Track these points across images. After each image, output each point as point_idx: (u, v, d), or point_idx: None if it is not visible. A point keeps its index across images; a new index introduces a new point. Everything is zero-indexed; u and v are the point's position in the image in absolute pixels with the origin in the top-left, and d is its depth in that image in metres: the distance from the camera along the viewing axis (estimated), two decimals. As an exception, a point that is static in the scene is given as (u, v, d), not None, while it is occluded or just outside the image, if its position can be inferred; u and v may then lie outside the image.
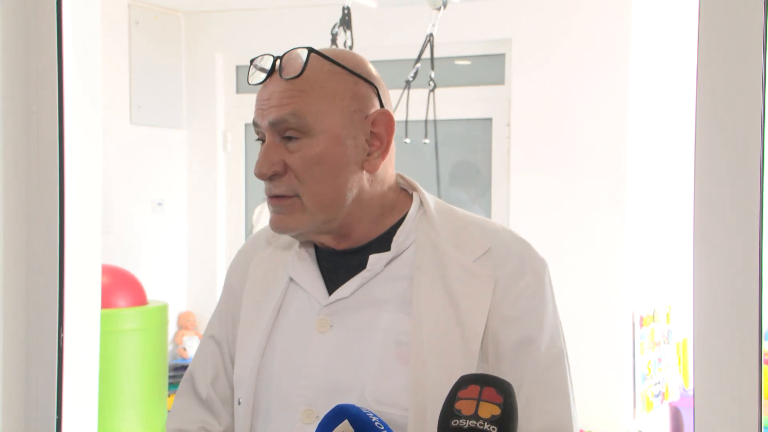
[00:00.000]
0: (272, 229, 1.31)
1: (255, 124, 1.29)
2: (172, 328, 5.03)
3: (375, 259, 1.30)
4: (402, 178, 1.39)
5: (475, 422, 1.05)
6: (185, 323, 5.15)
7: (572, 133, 4.29)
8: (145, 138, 4.92)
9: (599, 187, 4.24)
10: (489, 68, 4.64)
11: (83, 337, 1.91)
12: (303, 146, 1.25)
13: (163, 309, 4.32)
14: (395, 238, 1.31)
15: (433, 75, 3.77)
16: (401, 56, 4.64)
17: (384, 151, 1.29)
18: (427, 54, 3.71)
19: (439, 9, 3.62)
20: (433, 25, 3.64)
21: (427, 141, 3.93)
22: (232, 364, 1.42)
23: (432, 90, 3.82)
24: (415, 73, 3.71)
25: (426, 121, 3.89)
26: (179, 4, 4.99)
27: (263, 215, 4.30)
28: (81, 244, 1.89)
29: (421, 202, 1.36)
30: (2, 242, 1.82)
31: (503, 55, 4.55)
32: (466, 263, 1.29)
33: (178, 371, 4.78)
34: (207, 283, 5.10)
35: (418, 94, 3.98)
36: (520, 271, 1.30)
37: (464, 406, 1.05)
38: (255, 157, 1.31)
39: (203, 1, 4.87)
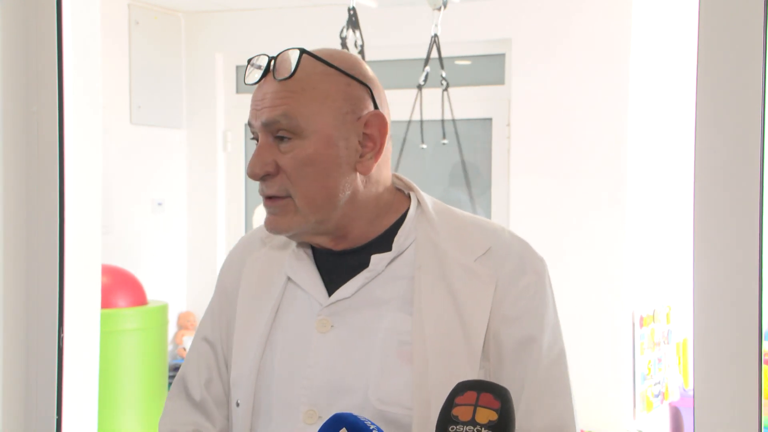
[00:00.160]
0: (267, 229, 1.31)
1: (249, 124, 1.30)
2: (172, 328, 5.03)
3: (377, 259, 1.30)
4: (398, 178, 1.39)
5: (472, 428, 1.05)
6: (185, 323, 5.15)
7: (572, 133, 4.29)
8: (145, 138, 4.92)
9: (599, 187, 4.24)
10: (489, 68, 4.64)
11: (83, 337, 1.91)
12: (295, 147, 1.25)
13: (163, 309, 4.32)
14: (397, 238, 1.31)
15: (444, 74, 3.79)
16: (401, 56, 4.65)
17: (377, 152, 1.29)
18: (435, 54, 3.72)
19: (439, 9, 3.63)
20: (436, 25, 3.64)
21: (445, 141, 3.94)
22: (226, 365, 1.41)
23: (445, 89, 3.83)
24: (426, 76, 3.72)
25: (443, 121, 3.90)
26: (179, 4, 4.99)
27: (263, 215, 4.30)
28: (81, 244, 1.89)
29: (419, 202, 1.36)
30: (2, 242, 1.82)
31: (503, 55, 4.56)
32: (467, 263, 1.29)
33: (178, 371, 4.78)
34: (207, 283, 5.10)
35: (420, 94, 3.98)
36: (520, 271, 1.30)
37: (461, 412, 1.06)
38: (254, 157, 1.31)
39: (203, 1, 4.87)
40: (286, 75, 1.25)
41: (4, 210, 1.82)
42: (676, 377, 4.50)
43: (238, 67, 5.16)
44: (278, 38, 4.74)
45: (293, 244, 1.37)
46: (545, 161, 4.35)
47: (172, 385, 1.46)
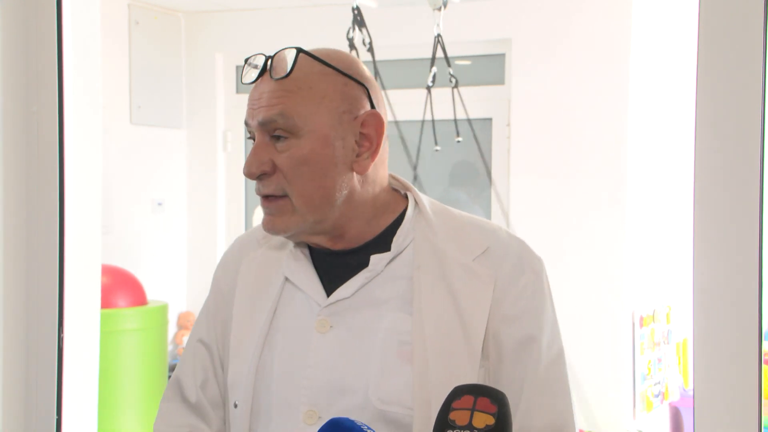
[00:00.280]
0: (265, 230, 1.31)
1: (246, 123, 1.30)
2: (172, 328, 5.03)
3: (377, 259, 1.30)
4: (394, 178, 1.39)
5: None
6: (185, 323, 5.15)
7: (572, 133, 4.29)
8: (145, 138, 4.92)
9: (599, 187, 4.24)
10: (489, 68, 4.64)
11: (83, 337, 1.91)
12: (291, 146, 1.25)
13: (163, 309, 4.32)
14: (395, 238, 1.31)
15: (451, 71, 3.79)
16: (401, 56, 4.64)
17: (374, 152, 1.29)
18: (430, 54, 3.73)
19: (439, 9, 3.63)
20: (438, 25, 3.64)
21: (460, 139, 3.94)
22: (222, 367, 1.41)
23: (455, 86, 3.83)
24: (434, 77, 3.73)
25: (456, 121, 3.91)
26: (179, 4, 4.99)
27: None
28: (81, 244, 1.89)
29: (416, 202, 1.36)
30: (2, 242, 1.82)
31: (503, 55, 4.56)
32: (466, 262, 1.29)
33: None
34: (207, 283, 5.03)
35: (420, 94, 3.98)
36: (519, 270, 1.30)
37: (458, 417, 1.06)
38: (255, 157, 1.31)
39: (203, 1, 4.87)
40: (283, 74, 1.25)
41: (4, 210, 1.82)
42: (676, 377, 4.50)
43: (238, 67, 5.16)
44: (278, 38, 4.73)
45: (290, 244, 1.37)
46: (545, 161, 4.35)
47: (167, 386, 1.45)
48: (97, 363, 1.96)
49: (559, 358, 1.29)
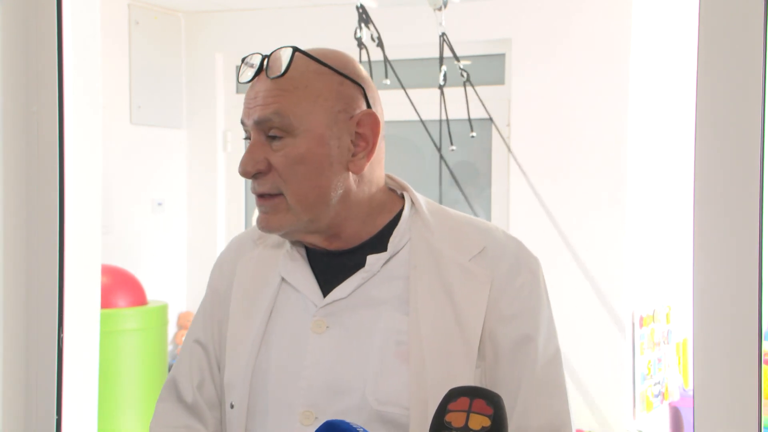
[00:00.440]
0: (259, 228, 1.31)
1: (242, 122, 1.30)
2: (172, 328, 5.03)
3: (374, 259, 1.30)
4: (391, 178, 1.39)
5: None
6: (185, 323, 5.15)
7: (572, 133, 4.29)
8: (145, 138, 4.92)
9: (599, 187, 4.24)
10: (489, 68, 4.64)
11: (83, 337, 1.91)
12: (286, 145, 1.25)
13: (163, 309, 4.32)
14: (392, 238, 1.31)
15: (461, 65, 3.78)
16: (401, 56, 4.64)
17: (369, 152, 1.29)
18: (436, 54, 3.72)
19: (439, 9, 3.63)
20: (440, 24, 3.64)
21: (474, 134, 3.94)
22: (219, 368, 1.41)
23: (467, 80, 3.83)
24: (444, 76, 3.72)
25: (470, 120, 3.91)
26: (179, 4, 4.99)
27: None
28: (81, 244, 1.89)
29: (413, 202, 1.35)
30: (2, 242, 1.82)
31: (503, 55, 4.56)
32: (463, 262, 1.29)
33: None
34: (207, 283, 5.09)
35: (419, 94, 3.98)
36: (515, 270, 1.30)
37: (454, 418, 1.06)
38: (255, 157, 1.30)
39: (203, 1, 4.87)
40: (279, 73, 1.25)
41: (4, 210, 1.82)
42: (676, 377, 4.50)
43: (238, 67, 5.11)
44: (278, 38, 4.71)
45: (287, 244, 1.37)
46: (545, 161, 4.35)
47: (163, 387, 1.44)
48: (97, 363, 1.96)
49: (555, 358, 1.29)
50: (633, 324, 4.14)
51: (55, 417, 1.83)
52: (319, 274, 1.34)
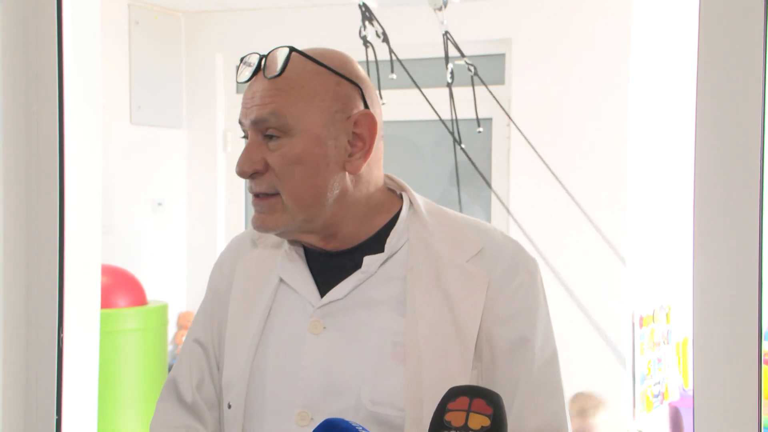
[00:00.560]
0: (254, 227, 1.31)
1: (240, 122, 1.30)
2: (172, 328, 5.03)
3: (370, 260, 1.30)
4: (390, 179, 1.38)
5: None
6: (185, 323, 5.15)
7: (572, 133, 4.29)
8: (145, 138, 4.92)
9: (599, 187, 4.23)
10: (489, 68, 4.64)
11: (83, 337, 1.91)
12: (283, 145, 1.25)
13: (162, 309, 4.32)
14: (389, 239, 1.31)
15: (468, 61, 3.78)
16: (402, 56, 4.64)
17: (366, 152, 1.28)
18: (435, 53, 3.72)
19: (439, 9, 3.63)
20: (442, 23, 3.64)
21: (480, 130, 3.94)
22: (218, 367, 1.40)
23: (475, 73, 3.82)
24: (452, 73, 3.72)
25: (478, 119, 3.91)
26: (179, 4, 4.99)
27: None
28: (81, 244, 1.89)
29: (411, 203, 1.35)
30: (2, 242, 1.82)
31: (503, 55, 4.55)
32: (460, 263, 1.29)
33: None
34: (207, 283, 5.09)
35: (420, 94, 3.98)
36: (513, 271, 1.30)
37: (454, 418, 1.06)
38: (255, 157, 1.30)
39: (203, 1, 4.87)
40: (275, 73, 1.25)
41: (4, 210, 1.82)
42: (676, 377, 4.50)
43: (237, 67, 5.15)
44: (278, 38, 4.70)
45: (285, 244, 1.37)
46: (545, 161, 4.35)
47: (163, 386, 1.45)
48: (96, 363, 1.96)
49: (552, 359, 1.29)
50: (633, 324, 4.13)
51: (55, 417, 1.83)
52: (317, 274, 1.33)
